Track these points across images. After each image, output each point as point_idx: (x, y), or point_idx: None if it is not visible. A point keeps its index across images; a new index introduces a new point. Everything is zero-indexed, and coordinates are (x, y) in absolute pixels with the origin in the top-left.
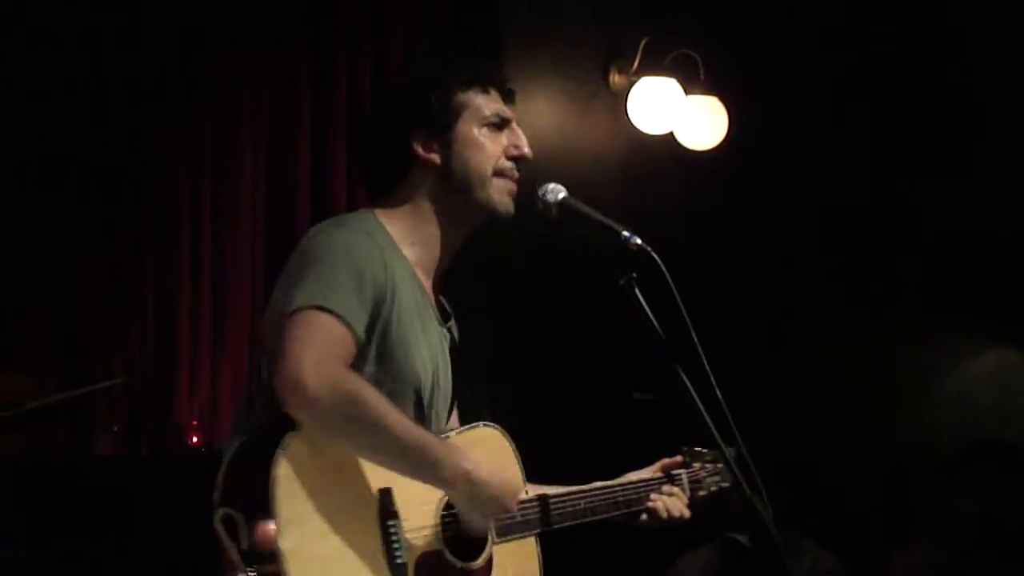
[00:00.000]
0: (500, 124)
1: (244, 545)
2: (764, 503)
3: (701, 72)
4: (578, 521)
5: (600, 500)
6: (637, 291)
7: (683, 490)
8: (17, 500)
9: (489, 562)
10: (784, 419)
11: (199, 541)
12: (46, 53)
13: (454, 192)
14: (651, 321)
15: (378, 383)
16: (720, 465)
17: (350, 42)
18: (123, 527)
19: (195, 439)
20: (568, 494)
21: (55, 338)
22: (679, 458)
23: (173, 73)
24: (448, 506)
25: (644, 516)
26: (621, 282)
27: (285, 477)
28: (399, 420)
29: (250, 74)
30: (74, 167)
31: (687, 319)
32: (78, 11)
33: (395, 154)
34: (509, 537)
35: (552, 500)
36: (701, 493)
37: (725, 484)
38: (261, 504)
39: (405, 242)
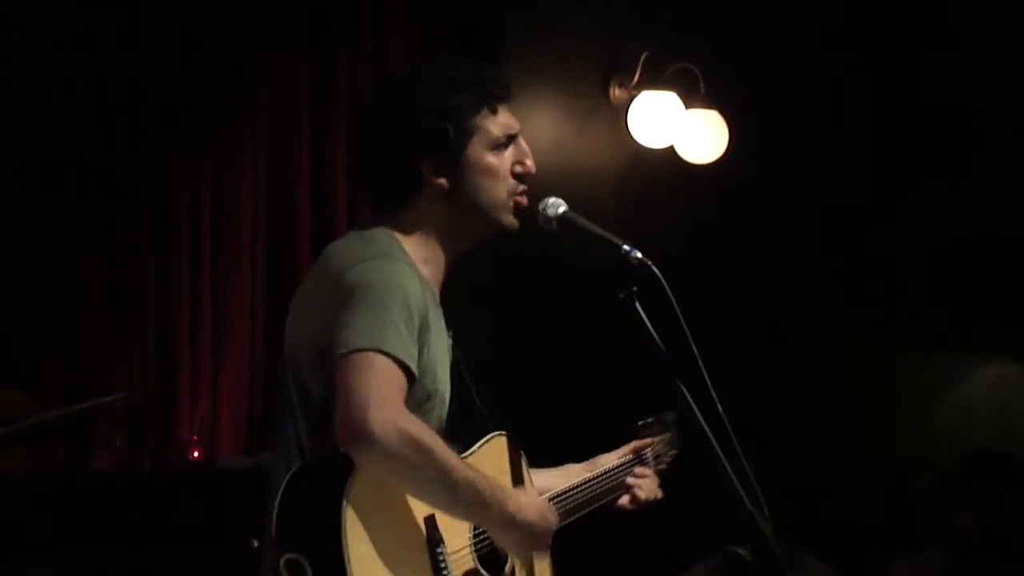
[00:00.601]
0: (507, 142)
1: None
2: (765, 517)
3: (701, 86)
4: (577, 515)
5: (592, 492)
6: (638, 305)
7: (650, 468)
8: (19, 516)
9: (512, 571)
10: (785, 432)
11: (200, 555)
12: (46, 56)
13: (463, 214)
14: (652, 335)
15: (418, 402)
16: (668, 435)
17: (350, 46)
18: (125, 542)
19: (196, 454)
20: (568, 490)
21: (56, 353)
22: (648, 440)
23: (172, 77)
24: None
25: (623, 499)
26: (622, 296)
27: (352, 523)
28: (458, 466)
29: (249, 77)
30: (74, 180)
31: (687, 333)
32: (77, 15)
33: (403, 176)
34: None
35: (556, 499)
36: (661, 467)
37: (675, 452)
38: (331, 551)
39: (420, 261)
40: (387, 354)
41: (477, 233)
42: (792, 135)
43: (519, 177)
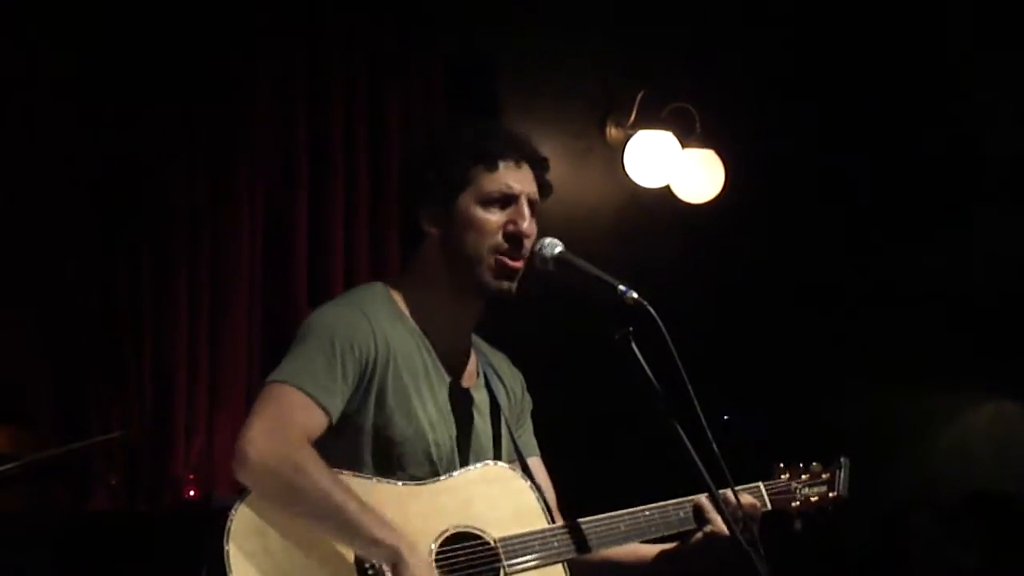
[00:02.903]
0: (503, 201)
1: None
2: (760, 555)
3: (697, 125)
4: (601, 545)
5: (647, 520)
6: (634, 345)
7: (763, 502)
8: (15, 555)
9: None
10: (781, 467)
11: None
12: (40, 118)
13: (454, 266)
14: (648, 375)
15: (386, 439)
16: (826, 475)
17: (347, 91)
18: None
19: (192, 493)
20: (606, 517)
21: (52, 392)
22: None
23: (171, 132)
24: (444, 542)
25: (700, 535)
26: (618, 336)
27: (237, 537)
28: (340, 492)
29: (247, 132)
30: (71, 219)
31: (683, 373)
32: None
33: (409, 227)
34: (522, 565)
35: (571, 528)
36: (794, 504)
37: (832, 494)
38: (219, 566)
39: (413, 310)
40: (293, 385)
41: (468, 289)
42: (788, 174)
43: (509, 237)
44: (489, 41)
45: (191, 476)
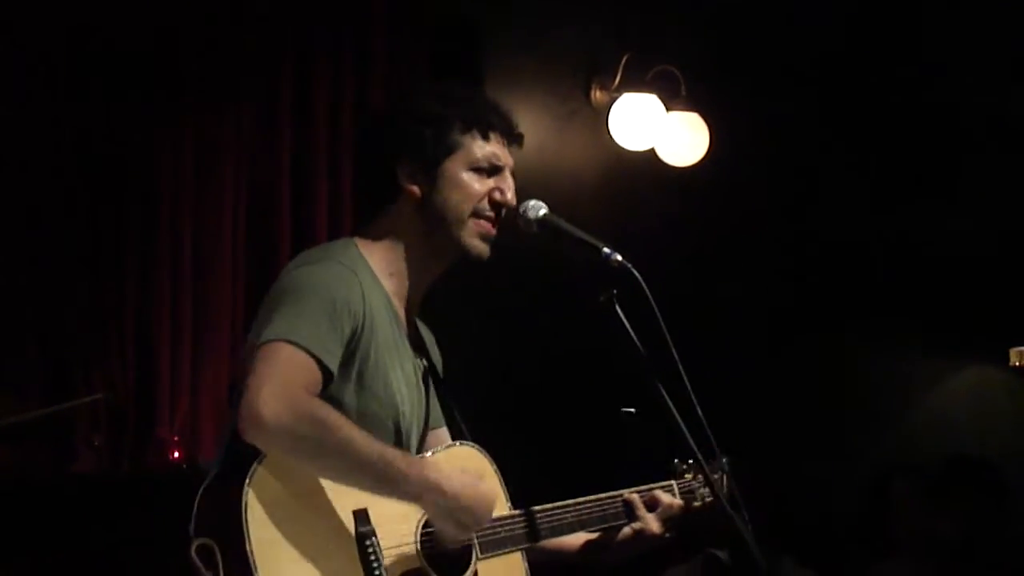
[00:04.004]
0: (490, 170)
1: (220, 574)
2: (744, 520)
3: (682, 88)
4: (563, 535)
5: (588, 512)
6: (618, 308)
7: (670, 506)
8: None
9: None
10: (764, 436)
11: (181, 557)
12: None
13: (431, 227)
14: (632, 337)
15: (360, 410)
16: (715, 475)
17: (332, 54)
18: (104, 542)
19: (176, 454)
20: (556, 507)
21: (36, 354)
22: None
23: (156, 91)
24: (428, 523)
25: (625, 531)
26: (602, 299)
27: (254, 505)
28: (363, 439)
29: (232, 98)
30: (57, 182)
31: (667, 335)
32: (57, 29)
33: (381, 180)
34: (494, 553)
35: (539, 514)
36: (695, 504)
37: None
38: (235, 533)
39: (384, 272)
40: (296, 344)
41: (443, 250)
42: (773, 137)
43: (493, 205)
44: (475, 5)
45: (175, 438)
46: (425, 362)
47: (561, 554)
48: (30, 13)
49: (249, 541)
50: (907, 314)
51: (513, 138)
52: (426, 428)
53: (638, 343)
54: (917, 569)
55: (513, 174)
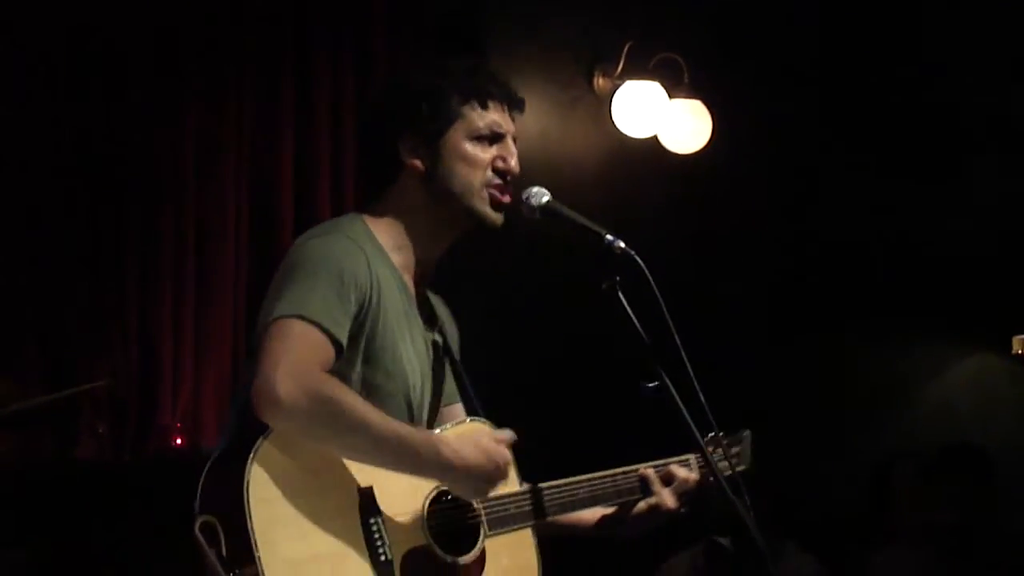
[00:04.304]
0: (492, 138)
1: (223, 551)
2: (747, 506)
3: (685, 75)
4: (577, 511)
5: (602, 488)
6: (621, 294)
7: (687, 481)
8: (3, 503)
9: (482, 555)
10: (766, 422)
11: (184, 543)
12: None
13: (438, 200)
14: (635, 324)
15: (369, 384)
16: (736, 449)
17: (333, 52)
18: (107, 528)
19: (179, 441)
20: (569, 483)
21: (38, 341)
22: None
23: (157, 89)
24: (434, 500)
25: (640, 505)
26: (605, 286)
27: (257, 482)
28: (377, 417)
29: (234, 83)
30: (59, 169)
31: (670, 322)
32: (57, 28)
33: (383, 157)
34: (502, 529)
35: (547, 490)
36: (711, 478)
37: (742, 467)
38: (236, 510)
39: (391, 246)
40: (307, 320)
41: (453, 222)
42: (775, 124)
43: (499, 172)
44: None
45: (178, 424)
46: (440, 336)
47: (576, 529)
48: (30, 13)
49: (250, 518)
50: (909, 303)
51: (513, 104)
52: (438, 403)
53: (640, 329)
54: (916, 557)
55: (515, 140)
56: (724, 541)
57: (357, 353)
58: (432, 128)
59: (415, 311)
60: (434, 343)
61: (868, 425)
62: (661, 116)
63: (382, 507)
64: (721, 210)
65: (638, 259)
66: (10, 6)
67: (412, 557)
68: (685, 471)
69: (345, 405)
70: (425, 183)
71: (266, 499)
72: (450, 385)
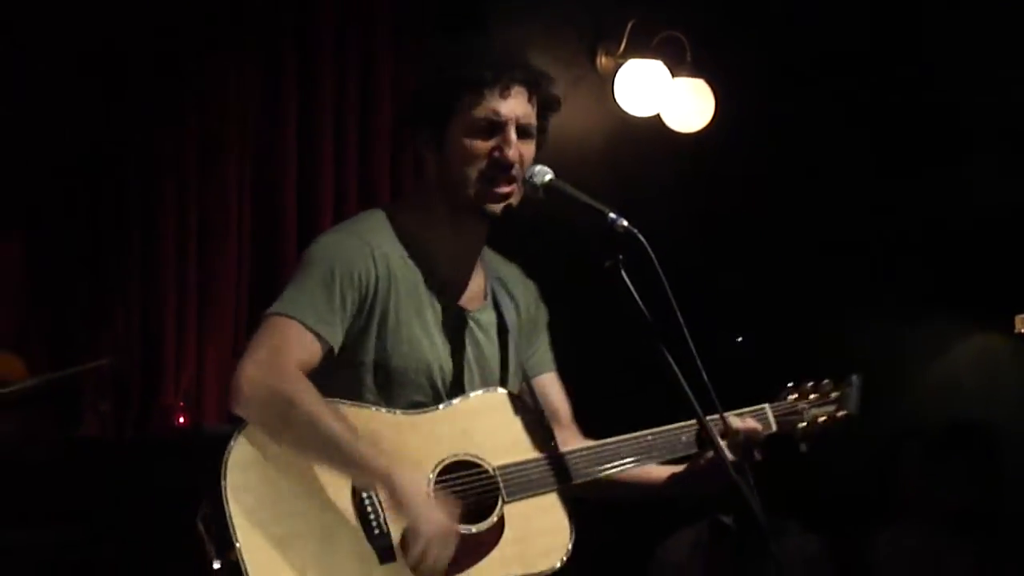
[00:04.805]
0: (491, 128)
1: (215, 537)
2: (750, 485)
3: (688, 54)
4: (603, 470)
5: (642, 446)
6: (624, 273)
7: (767, 424)
8: (3, 481)
9: (500, 523)
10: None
11: (186, 521)
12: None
13: (444, 192)
14: (638, 303)
15: (386, 368)
16: (836, 394)
17: (337, 31)
18: (110, 508)
19: (181, 420)
20: (593, 446)
21: (41, 319)
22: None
23: (159, 63)
24: (443, 471)
25: (702, 460)
26: (608, 264)
27: (235, 469)
28: (329, 418)
29: (236, 65)
30: (60, 149)
31: (673, 301)
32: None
33: (414, 150)
34: (522, 495)
35: (571, 454)
36: (801, 425)
37: (841, 412)
38: (218, 497)
39: (414, 235)
40: (291, 317)
41: (459, 213)
42: (778, 104)
43: (494, 164)
44: None
45: (181, 404)
46: (495, 316)
47: (644, 485)
48: (29, 13)
49: (228, 505)
50: (913, 282)
51: (518, 82)
52: (474, 380)
53: (643, 308)
54: (921, 534)
55: (526, 121)
56: (727, 519)
57: (368, 340)
58: (437, 121)
59: (442, 293)
60: (473, 321)
61: (872, 404)
62: (664, 95)
63: None
64: (724, 189)
65: (641, 237)
66: (10, 5)
67: None
68: (738, 420)
69: (297, 401)
70: (439, 175)
71: (242, 487)
72: (488, 365)
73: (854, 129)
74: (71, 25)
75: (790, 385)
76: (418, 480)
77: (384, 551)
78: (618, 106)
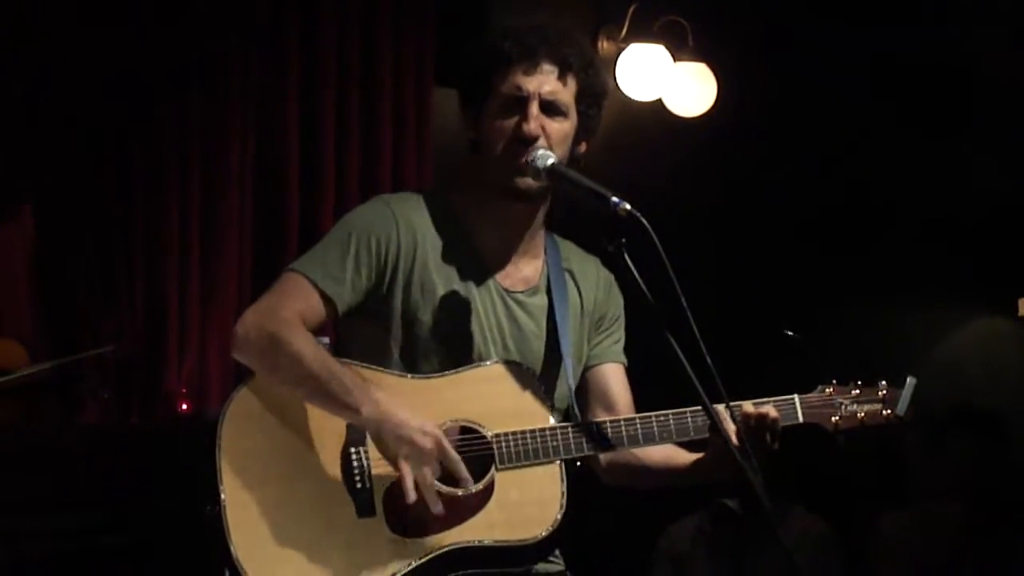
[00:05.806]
0: (514, 105)
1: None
2: (754, 469)
3: (689, 39)
4: (602, 448)
5: (652, 427)
6: (626, 256)
7: (792, 415)
8: (5, 468)
9: (489, 488)
10: (774, 384)
11: (188, 506)
12: (37, 24)
13: (481, 171)
14: (641, 286)
15: (412, 318)
16: (883, 393)
17: (338, 26)
18: (113, 494)
19: (184, 406)
20: (596, 424)
21: (44, 306)
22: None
23: (162, 48)
24: (443, 433)
25: (720, 444)
26: (610, 248)
27: (232, 419)
28: (315, 355)
29: (239, 47)
30: (63, 136)
31: (676, 284)
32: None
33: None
34: (516, 464)
35: (573, 428)
36: (835, 419)
37: (887, 412)
38: (211, 448)
39: (460, 210)
40: (300, 272)
41: (494, 191)
42: (780, 88)
43: (519, 140)
44: None
45: (183, 390)
46: (546, 301)
47: (667, 471)
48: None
49: (219, 459)
50: (915, 266)
51: (541, 58)
52: (509, 355)
53: (647, 292)
54: (925, 518)
55: (547, 98)
56: (731, 503)
57: (393, 304)
58: (473, 103)
59: (482, 267)
60: (515, 300)
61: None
62: (665, 79)
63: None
64: (725, 173)
65: (644, 221)
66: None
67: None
68: (752, 407)
69: (283, 340)
70: (479, 154)
71: (240, 432)
72: (527, 343)
73: (855, 114)
74: (77, 14)
75: (835, 381)
76: (407, 418)
77: (364, 505)
78: (619, 90)
